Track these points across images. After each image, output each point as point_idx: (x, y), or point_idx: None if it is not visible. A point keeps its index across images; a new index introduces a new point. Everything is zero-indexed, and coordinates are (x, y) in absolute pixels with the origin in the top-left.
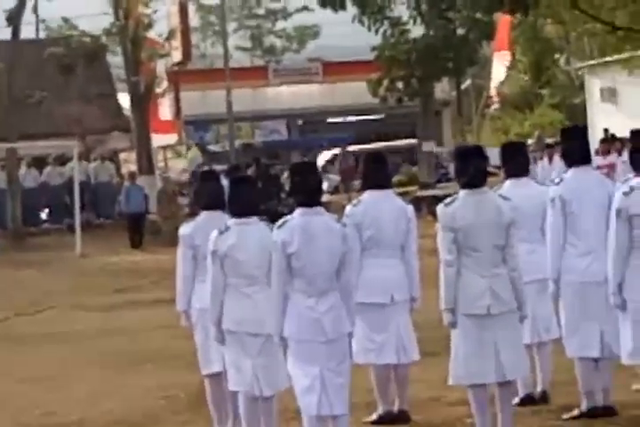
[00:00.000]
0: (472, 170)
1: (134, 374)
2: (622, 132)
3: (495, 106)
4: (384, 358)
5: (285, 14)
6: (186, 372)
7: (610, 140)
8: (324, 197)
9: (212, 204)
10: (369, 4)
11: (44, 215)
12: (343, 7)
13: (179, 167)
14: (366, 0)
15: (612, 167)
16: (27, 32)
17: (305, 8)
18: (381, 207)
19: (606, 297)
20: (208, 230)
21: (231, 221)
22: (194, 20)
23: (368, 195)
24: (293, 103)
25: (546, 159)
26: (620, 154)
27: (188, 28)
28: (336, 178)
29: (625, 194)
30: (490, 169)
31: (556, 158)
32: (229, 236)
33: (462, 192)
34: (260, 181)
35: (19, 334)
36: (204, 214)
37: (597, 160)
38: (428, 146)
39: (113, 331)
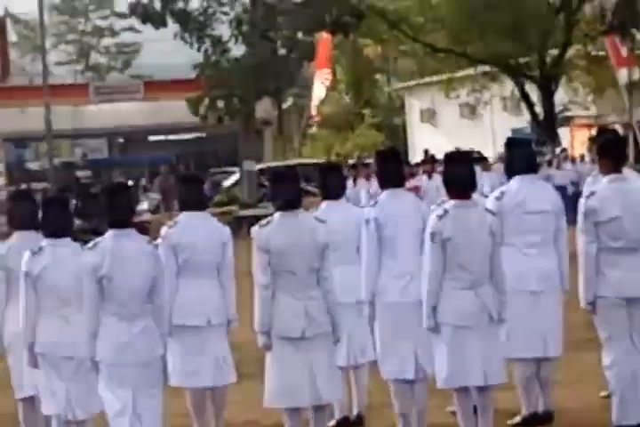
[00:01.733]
0: (287, 192)
1: None
2: (442, 152)
3: (316, 125)
4: (200, 381)
5: (112, 33)
6: None
7: (429, 161)
8: (145, 216)
9: (24, 224)
10: (189, 21)
11: None
12: (164, 24)
13: None
14: (187, 17)
15: (417, 190)
16: None
17: (131, 28)
18: (198, 229)
19: (420, 319)
20: (22, 251)
21: (44, 242)
22: (11, 34)
23: (184, 216)
24: (114, 121)
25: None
26: (429, 176)
27: (6, 44)
28: (157, 197)
29: (439, 217)
30: (310, 189)
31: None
32: (43, 257)
33: (277, 214)
34: (80, 200)
35: None
36: (17, 235)
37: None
38: (249, 165)
39: None
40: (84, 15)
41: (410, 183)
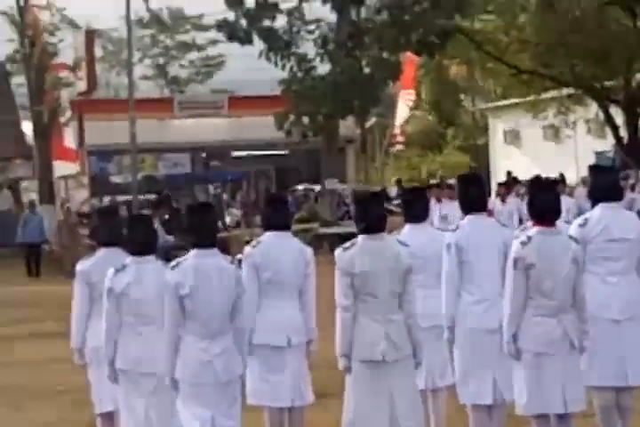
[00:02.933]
0: (371, 215)
1: (29, 409)
2: (525, 174)
3: (399, 145)
4: (278, 401)
5: (196, 47)
6: (77, 409)
7: (510, 183)
8: (225, 232)
9: (110, 240)
10: (276, 39)
11: None
12: (250, 41)
13: (80, 197)
14: (273, 36)
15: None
16: None
17: (214, 42)
18: (280, 249)
19: (500, 345)
20: (106, 267)
21: (129, 260)
22: (98, 49)
23: (267, 236)
24: (198, 136)
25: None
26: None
27: (93, 58)
28: (238, 213)
29: (523, 244)
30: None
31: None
32: (126, 274)
33: (360, 237)
34: (162, 213)
35: None
36: (102, 251)
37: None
38: (331, 183)
39: (8, 363)
40: (167, 29)
41: None
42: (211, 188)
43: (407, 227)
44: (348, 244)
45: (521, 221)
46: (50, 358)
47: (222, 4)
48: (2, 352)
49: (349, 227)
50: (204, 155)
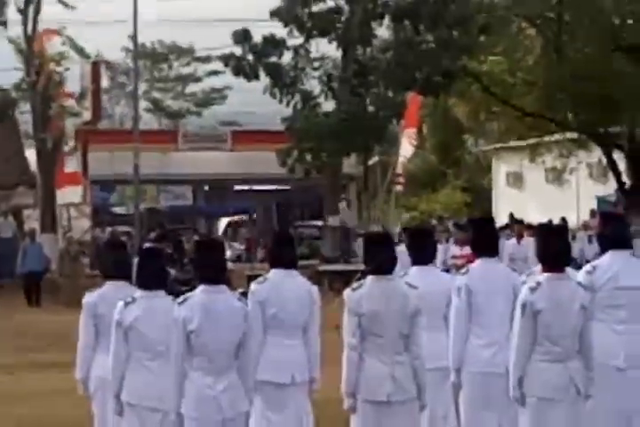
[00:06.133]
0: (380, 257)
1: None
2: (526, 217)
3: (401, 184)
4: None
5: (195, 78)
6: None
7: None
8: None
9: (117, 273)
10: (282, 76)
11: None
12: (256, 77)
13: (82, 227)
14: (279, 72)
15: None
16: None
17: (214, 72)
18: (286, 287)
19: (506, 389)
20: (112, 300)
21: (138, 293)
22: (105, 79)
23: (274, 273)
24: (200, 169)
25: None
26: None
27: (99, 88)
28: (240, 247)
29: (532, 289)
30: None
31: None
32: (135, 308)
33: (370, 278)
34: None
35: None
36: (108, 284)
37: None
38: (333, 220)
39: (7, 395)
40: (166, 62)
41: (462, 251)
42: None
43: (414, 269)
44: (356, 284)
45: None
46: (51, 389)
47: (228, 39)
48: (5, 382)
49: (350, 265)
50: (206, 188)
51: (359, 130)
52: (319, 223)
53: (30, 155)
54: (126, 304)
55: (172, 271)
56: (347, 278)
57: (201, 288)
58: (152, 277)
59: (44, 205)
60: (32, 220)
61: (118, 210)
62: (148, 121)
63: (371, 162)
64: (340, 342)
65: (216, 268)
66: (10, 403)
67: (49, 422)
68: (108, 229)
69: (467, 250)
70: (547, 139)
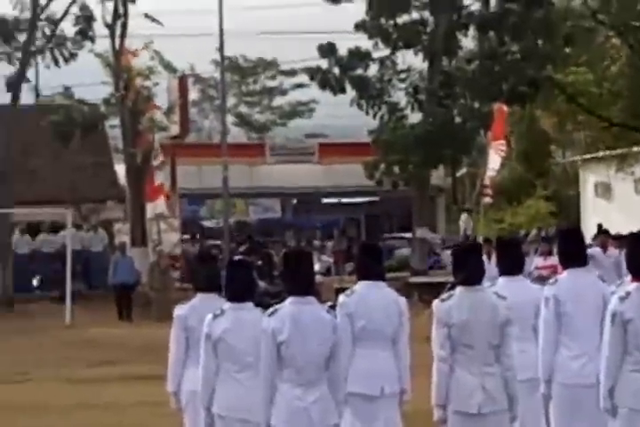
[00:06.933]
0: (470, 267)
1: None
2: (614, 228)
3: (489, 195)
4: None
5: (281, 91)
6: None
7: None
8: (316, 279)
9: (207, 286)
10: (368, 88)
11: (35, 282)
12: (343, 90)
13: (172, 240)
14: (365, 84)
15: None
16: (26, 98)
17: (300, 85)
18: (374, 298)
19: (597, 400)
20: (202, 313)
21: (226, 306)
22: (193, 93)
23: (361, 285)
24: (289, 182)
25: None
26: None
27: (187, 102)
28: (329, 260)
29: (621, 299)
30: None
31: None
32: (224, 320)
33: (459, 289)
34: (253, 259)
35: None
36: (199, 296)
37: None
38: (422, 232)
39: (95, 405)
40: (254, 75)
41: (546, 261)
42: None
43: (501, 280)
44: (445, 295)
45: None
46: (138, 400)
47: (314, 52)
48: (89, 394)
49: (439, 276)
50: (294, 201)
51: (446, 141)
52: (408, 235)
53: (120, 169)
54: (215, 317)
55: (262, 284)
56: (437, 290)
57: (290, 300)
58: (240, 289)
59: (133, 219)
60: (122, 233)
61: (208, 224)
62: (236, 134)
63: (459, 173)
64: (430, 353)
65: (304, 279)
66: (93, 413)
67: None
68: (198, 242)
69: (550, 260)
70: (635, 149)
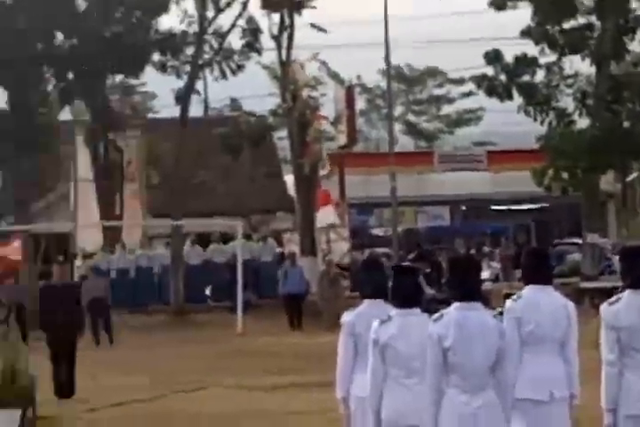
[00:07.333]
0: (637, 271)
1: None
2: None
3: None
4: None
5: (449, 100)
6: None
7: None
8: (485, 286)
9: (374, 293)
10: (535, 94)
11: (207, 292)
12: (510, 97)
13: (340, 249)
14: (533, 91)
15: None
16: (195, 111)
17: (467, 93)
18: (542, 303)
19: None
20: (370, 319)
21: (394, 312)
22: (360, 102)
23: (528, 290)
24: (457, 189)
25: None
26: None
27: (354, 112)
28: (497, 266)
29: None
30: None
31: None
32: (391, 326)
33: (627, 292)
34: (421, 266)
35: (172, 412)
36: (366, 302)
37: None
38: (593, 237)
39: (267, 413)
40: (420, 84)
41: None
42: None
43: None
44: (613, 298)
45: None
46: (311, 408)
47: (480, 60)
48: (263, 401)
49: (610, 282)
50: (463, 208)
51: (615, 146)
52: (579, 241)
53: (288, 179)
54: (382, 322)
55: (430, 291)
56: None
57: (455, 305)
58: (407, 295)
59: (303, 229)
60: (292, 243)
61: (377, 232)
62: (405, 143)
63: (629, 178)
64: (599, 358)
65: (470, 285)
66: (260, 420)
67: None
68: (367, 251)
69: None
70: None
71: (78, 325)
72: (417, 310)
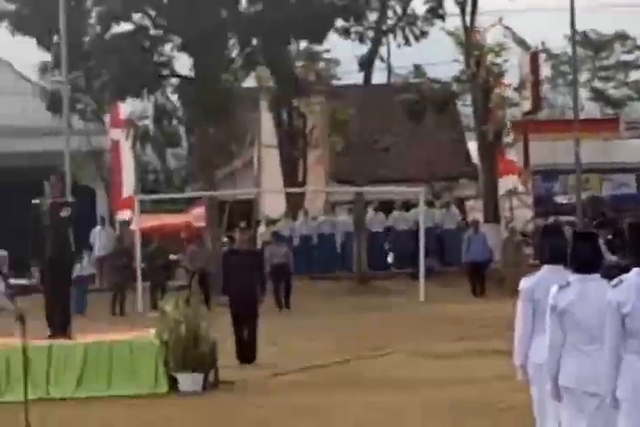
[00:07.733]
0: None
1: (468, 425)
2: None
3: None
4: None
5: (637, 66)
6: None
7: None
8: None
9: (553, 258)
10: None
11: (389, 259)
12: None
13: (523, 216)
14: None
15: None
16: (378, 78)
17: None
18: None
19: None
20: (548, 285)
21: (573, 277)
22: (545, 69)
23: None
24: None
25: None
26: None
27: (538, 79)
28: None
29: None
30: None
31: None
32: (569, 291)
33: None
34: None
35: (356, 378)
36: (545, 268)
37: None
38: None
39: (450, 380)
40: (607, 50)
41: None
42: None
43: None
44: None
45: None
46: (494, 375)
47: None
48: (450, 368)
49: None
50: None
51: None
52: None
53: (471, 146)
54: (560, 288)
55: (613, 257)
56: None
57: (635, 271)
58: (586, 261)
59: (486, 196)
60: (475, 210)
61: (561, 199)
62: (590, 110)
63: None
64: None
65: None
66: (453, 388)
67: (490, 405)
68: (551, 218)
69: None
70: None
71: (260, 290)
72: (596, 276)
